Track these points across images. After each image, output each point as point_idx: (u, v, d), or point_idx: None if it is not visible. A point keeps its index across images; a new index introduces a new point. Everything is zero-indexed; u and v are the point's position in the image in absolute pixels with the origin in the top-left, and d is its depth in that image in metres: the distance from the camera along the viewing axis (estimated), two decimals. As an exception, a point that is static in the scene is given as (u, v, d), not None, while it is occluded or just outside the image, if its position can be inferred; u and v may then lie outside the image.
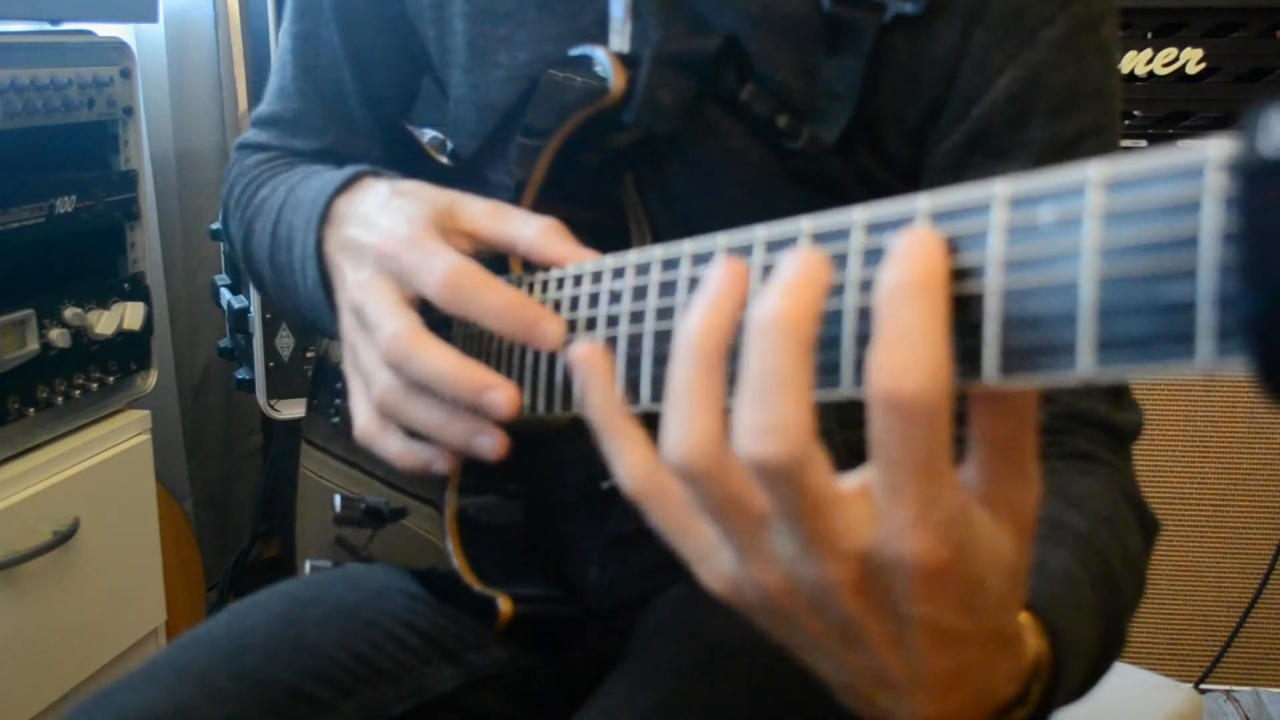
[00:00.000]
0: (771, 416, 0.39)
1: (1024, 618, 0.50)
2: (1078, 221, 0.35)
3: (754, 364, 0.40)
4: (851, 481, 0.41)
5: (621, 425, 0.47)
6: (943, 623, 0.42)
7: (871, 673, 0.45)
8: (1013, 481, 0.41)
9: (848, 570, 0.41)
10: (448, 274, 0.63)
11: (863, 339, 0.41)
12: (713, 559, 0.45)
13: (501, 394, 0.62)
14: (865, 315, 0.41)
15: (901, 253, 0.38)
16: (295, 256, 0.76)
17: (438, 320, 0.67)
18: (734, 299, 0.43)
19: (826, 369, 0.42)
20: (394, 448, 0.69)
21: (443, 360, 0.63)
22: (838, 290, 0.42)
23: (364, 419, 0.70)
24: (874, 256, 0.41)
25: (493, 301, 0.62)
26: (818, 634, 0.44)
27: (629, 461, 0.46)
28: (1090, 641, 0.57)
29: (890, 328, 0.38)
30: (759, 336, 0.40)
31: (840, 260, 0.42)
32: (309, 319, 0.81)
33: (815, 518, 0.40)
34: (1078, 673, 0.54)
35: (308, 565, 0.92)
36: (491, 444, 0.65)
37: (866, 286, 0.41)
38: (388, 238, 0.67)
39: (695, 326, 0.43)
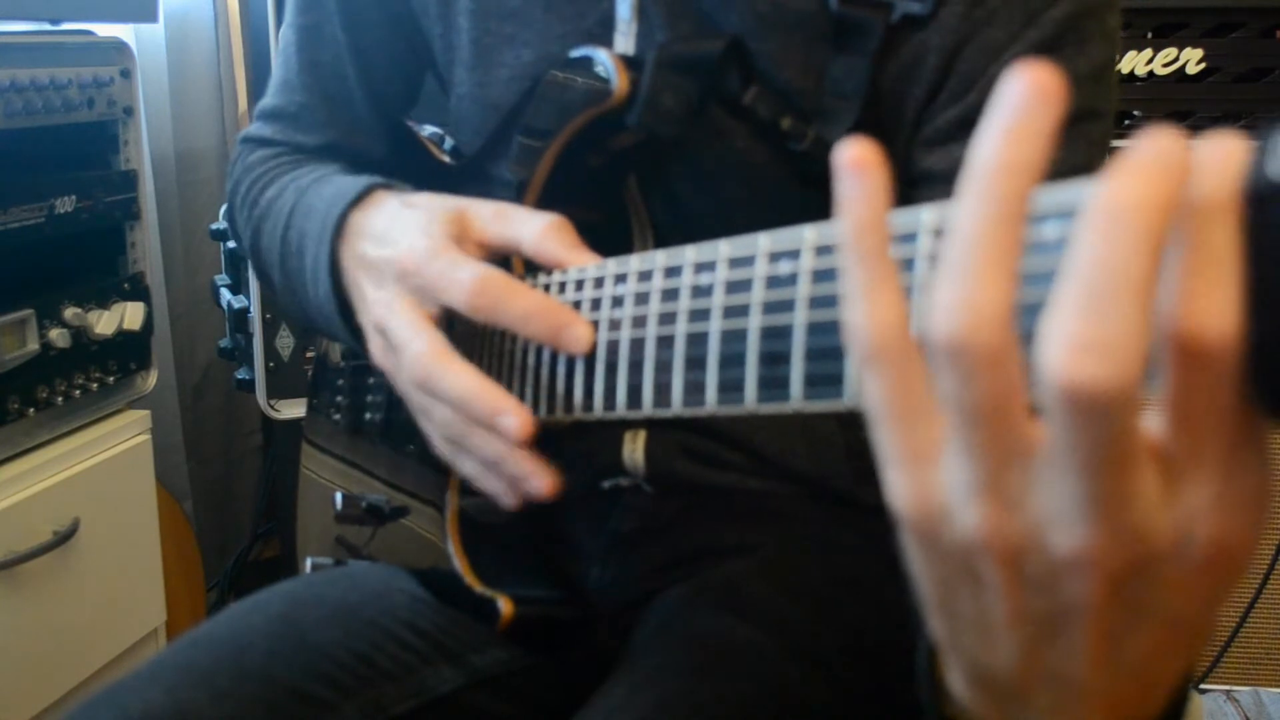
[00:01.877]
0: (1106, 331, 0.30)
1: None
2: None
3: (1093, 259, 0.31)
4: (1148, 438, 0.33)
5: (883, 259, 0.36)
6: (1188, 617, 0.35)
7: (1050, 674, 0.37)
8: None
9: (1117, 551, 0.33)
10: (476, 284, 0.63)
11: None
12: (926, 469, 0.36)
13: (514, 420, 0.62)
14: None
15: (1212, 162, 0.31)
16: (307, 266, 0.76)
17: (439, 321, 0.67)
18: (1047, 119, 0.33)
19: (833, 379, 0.42)
20: (469, 470, 0.69)
21: (461, 382, 0.64)
22: (830, 302, 0.42)
23: (437, 442, 0.70)
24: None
25: (523, 307, 0.62)
26: (1013, 616, 0.36)
27: (879, 304, 0.35)
28: None
29: (1201, 260, 0.30)
30: (1107, 225, 0.31)
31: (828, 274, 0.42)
32: (317, 325, 0.81)
33: (1114, 475, 0.32)
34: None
35: (309, 563, 0.92)
36: (541, 488, 0.64)
37: None
38: (408, 253, 0.67)
39: (999, 156, 0.33)
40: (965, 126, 0.71)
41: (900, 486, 0.36)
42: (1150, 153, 0.31)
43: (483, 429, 0.64)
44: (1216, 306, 0.30)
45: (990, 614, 0.36)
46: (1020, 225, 0.33)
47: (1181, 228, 0.31)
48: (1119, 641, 0.35)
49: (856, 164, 0.36)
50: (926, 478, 0.35)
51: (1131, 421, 0.31)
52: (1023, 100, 0.33)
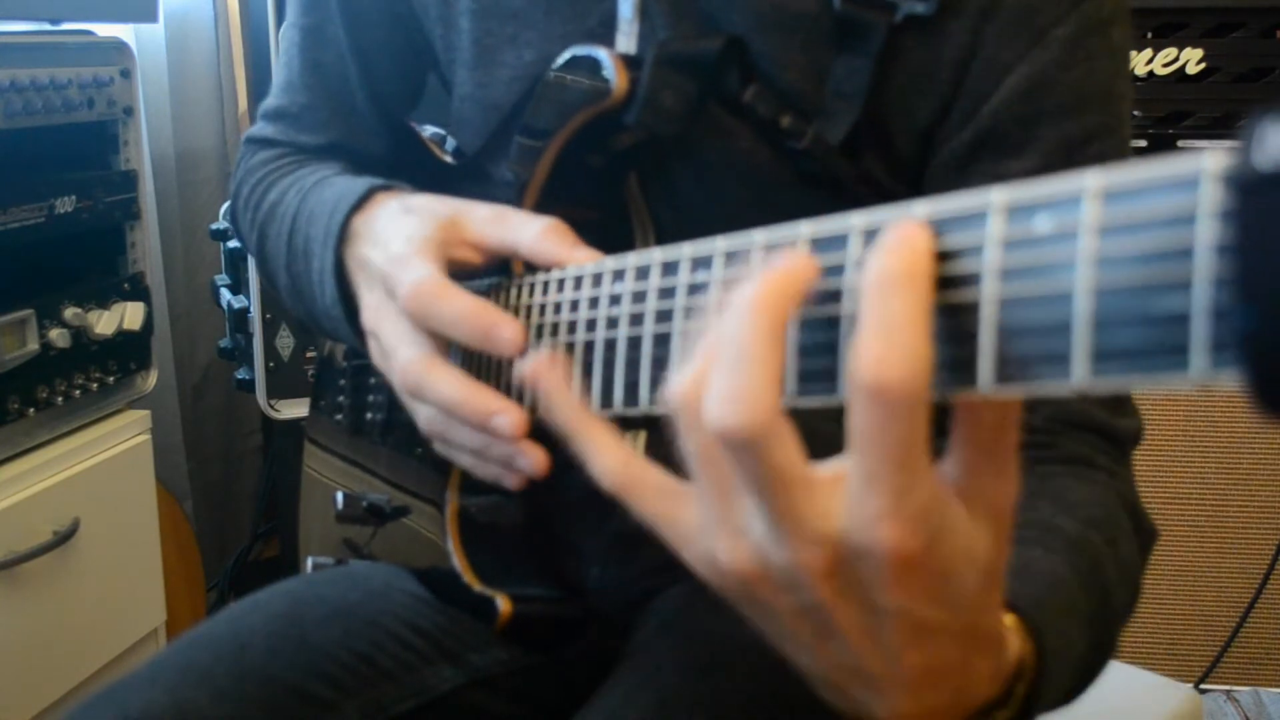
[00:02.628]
0: (737, 384, 0.40)
1: (1008, 619, 0.50)
2: (1074, 232, 0.35)
3: (727, 334, 0.41)
4: (828, 468, 0.41)
5: (589, 427, 0.49)
6: (916, 615, 0.42)
7: (846, 666, 0.45)
8: (992, 478, 0.42)
9: (818, 554, 0.41)
10: (409, 288, 0.65)
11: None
12: (696, 541, 0.46)
13: (506, 419, 0.63)
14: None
15: (888, 244, 0.39)
16: (314, 269, 0.76)
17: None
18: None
19: (823, 375, 0.42)
20: (465, 463, 0.70)
21: (449, 388, 0.64)
22: (834, 297, 0.42)
23: (433, 442, 0.71)
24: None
25: (451, 311, 0.63)
26: (791, 621, 0.45)
27: (604, 459, 0.48)
28: (1078, 645, 0.57)
29: (874, 317, 0.38)
30: (736, 311, 0.41)
31: (838, 269, 0.42)
32: (325, 329, 0.82)
33: (781, 495, 0.41)
34: (1063, 676, 0.54)
35: (310, 562, 0.92)
36: (529, 463, 0.65)
37: None
38: (387, 259, 0.68)
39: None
40: (980, 149, 0.71)
41: (691, 561, 0.47)
42: (780, 263, 0.42)
43: (466, 426, 0.65)
44: (890, 358, 0.37)
45: (784, 626, 0.45)
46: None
47: (864, 294, 0.38)
48: (874, 633, 0.43)
49: (538, 375, 0.51)
50: (699, 547, 0.46)
51: (776, 454, 0.40)
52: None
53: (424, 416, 0.68)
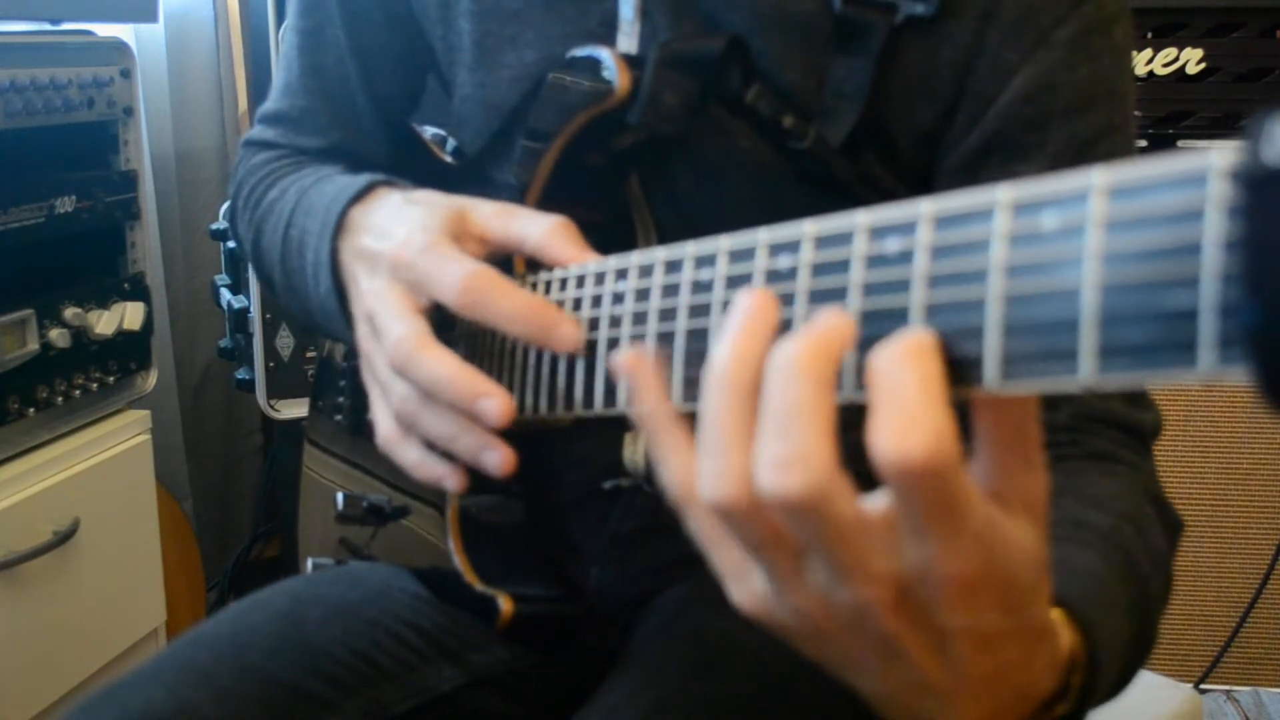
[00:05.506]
0: (792, 448, 0.39)
1: (1055, 613, 0.50)
2: (1081, 228, 0.35)
3: (775, 396, 0.40)
4: (878, 504, 0.41)
5: (670, 433, 0.47)
6: (982, 627, 0.42)
7: (913, 684, 0.45)
8: (1022, 473, 0.42)
9: (884, 591, 0.41)
10: (465, 280, 0.63)
11: (864, 343, 0.41)
12: (746, 580, 0.46)
13: (494, 402, 0.62)
14: (868, 319, 0.41)
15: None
16: (308, 262, 0.76)
17: (440, 319, 0.67)
18: (766, 325, 0.43)
19: None
20: (411, 457, 0.69)
21: (440, 365, 0.63)
22: (839, 294, 0.42)
23: (385, 428, 0.70)
24: (876, 261, 0.41)
25: (510, 306, 0.62)
26: (857, 652, 0.45)
27: (674, 468, 0.46)
28: (1122, 635, 0.57)
29: (885, 392, 0.38)
30: (781, 370, 0.40)
31: (843, 265, 0.42)
32: (319, 323, 0.81)
33: (845, 546, 0.40)
34: (1113, 666, 0.54)
35: (310, 563, 0.92)
36: (498, 460, 0.64)
37: (870, 290, 0.41)
38: (403, 246, 0.67)
39: (725, 356, 0.43)
40: (989, 152, 0.71)
41: (738, 598, 0.46)
42: (817, 326, 0.41)
43: (441, 408, 0.64)
44: (910, 432, 0.37)
45: (847, 656, 0.45)
46: (754, 402, 0.42)
47: (870, 375, 0.39)
48: (940, 650, 0.43)
49: (632, 369, 0.48)
50: (750, 587, 0.45)
51: (837, 508, 0.40)
52: (748, 308, 0.43)
53: (399, 396, 0.67)
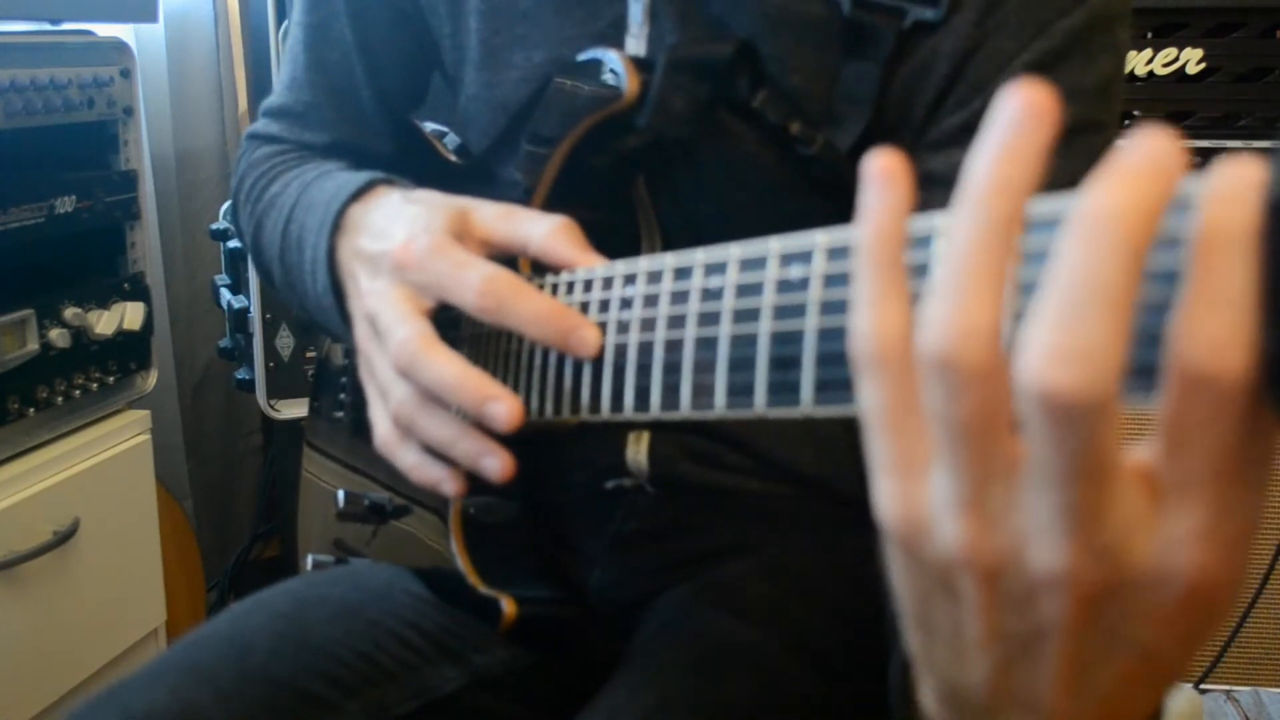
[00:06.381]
0: (1081, 340, 0.30)
1: None
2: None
3: (1071, 268, 0.31)
4: (1134, 461, 0.33)
5: (896, 269, 0.36)
6: (1161, 652, 0.34)
7: (1019, 695, 0.37)
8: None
9: (1096, 572, 0.33)
10: (485, 283, 0.63)
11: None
12: (914, 480, 0.36)
13: (502, 406, 0.61)
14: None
15: (1222, 190, 0.30)
16: (306, 259, 0.76)
17: (443, 320, 0.67)
18: (1040, 137, 0.33)
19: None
20: (410, 460, 0.69)
21: (448, 368, 0.63)
22: (842, 307, 0.42)
23: (383, 430, 0.70)
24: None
25: (531, 310, 0.61)
26: (987, 634, 0.36)
27: (884, 313, 0.35)
28: None
29: (1208, 289, 0.30)
30: (1085, 234, 0.31)
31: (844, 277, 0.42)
32: (315, 320, 0.81)
33: (1092, 487, 0.32)
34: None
35: (309, 560, 0.92)
36: (497, 465, 0.64)
37: None
38: (408, 247, 0.66)
39: (988, 171, 0.33)
40: (968, 131, 0.70)
41: (888, 496, 0.36)
42: (1136, 158, 0.31)
43: (440, 412, 0.64)
44: (1222, 340, 0.30)
45: (965, 631, 0.36)
46: (1011, 244, 0.33)
47: (1192, 255, 0.30)
48: (1089, 669, 0.35)
49: (884, 173, 0.36)
50: (914, 489, 0.36)
51: (1107, 432, 0.31)
52: (1017, 119, 0.33)
53: (397, 398, 0.66)
